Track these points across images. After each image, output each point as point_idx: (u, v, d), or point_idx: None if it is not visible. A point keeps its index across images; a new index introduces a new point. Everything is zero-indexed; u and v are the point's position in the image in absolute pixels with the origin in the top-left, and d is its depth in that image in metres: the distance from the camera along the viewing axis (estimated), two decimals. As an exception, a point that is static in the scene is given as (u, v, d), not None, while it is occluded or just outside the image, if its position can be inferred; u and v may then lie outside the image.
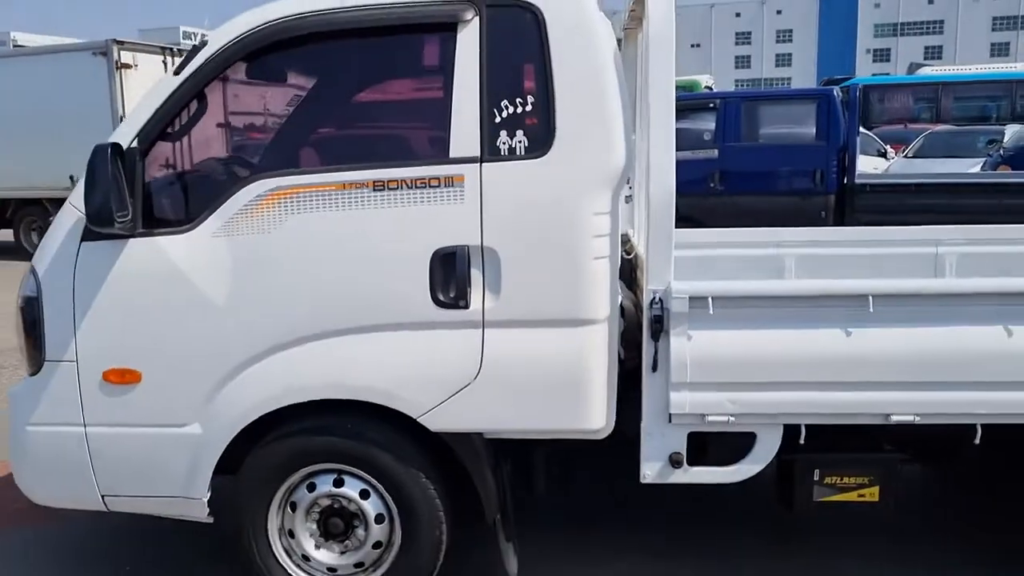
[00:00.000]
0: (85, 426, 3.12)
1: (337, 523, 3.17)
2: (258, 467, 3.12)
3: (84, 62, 12.94)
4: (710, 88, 23.55)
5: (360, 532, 3.16)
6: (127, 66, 12.83)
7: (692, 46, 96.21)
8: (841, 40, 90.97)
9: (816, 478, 3.20)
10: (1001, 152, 12.50)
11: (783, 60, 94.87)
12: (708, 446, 3.12)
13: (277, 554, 3.20)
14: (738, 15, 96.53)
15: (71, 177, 13.06)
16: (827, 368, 2.93)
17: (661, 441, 3.04)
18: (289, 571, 3.20)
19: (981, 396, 2.92)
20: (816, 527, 3.90)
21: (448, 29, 2.93)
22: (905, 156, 16.20)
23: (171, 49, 13.90)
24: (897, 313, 2.92)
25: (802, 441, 3.06)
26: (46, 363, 3.12)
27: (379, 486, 3.11)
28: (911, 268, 4.47)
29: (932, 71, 25.16)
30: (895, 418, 2.96)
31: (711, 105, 10.15)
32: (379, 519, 3.14)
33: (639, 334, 3.04)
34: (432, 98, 3.01)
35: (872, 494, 3.21)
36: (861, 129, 18.43)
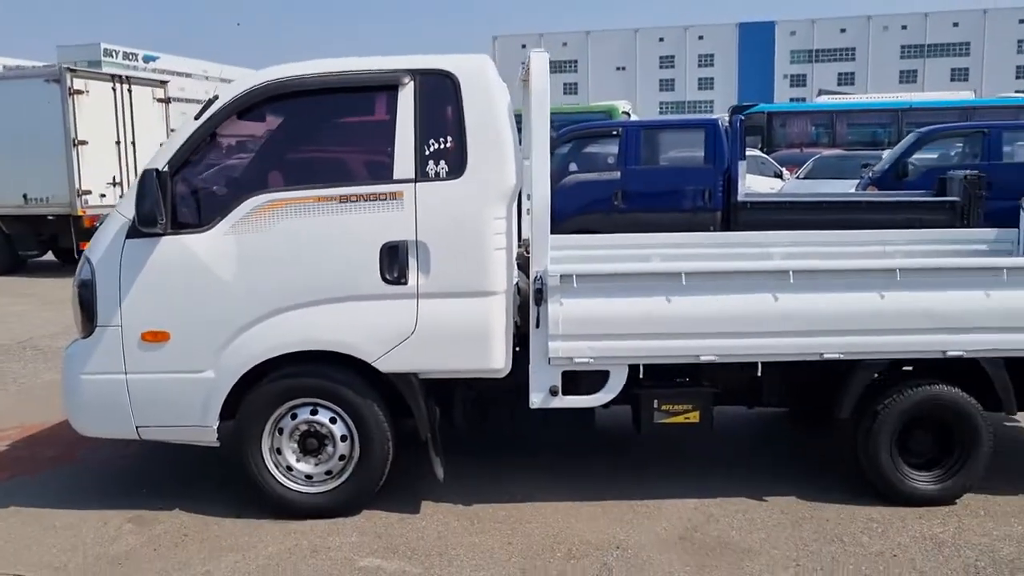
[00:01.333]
0: (126, 374, 4.27)
1: (312, 442, 4.37)
2: (256, 402, 4.31)
3: (38, 88, 13.72)
4: (628, 114, 25.05)
5: (329, 448, 4.37)
6: (79, 92, 13.67)
7: (617, 69, 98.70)
8: (760, 65, 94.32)
9: (655, 406, 4.52)
10: (870, 175, 14.17)
11: (705, 84, 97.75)
12: (579, 381, 4.41)
13: (269, 466, 4.38)
14: (662, 40, 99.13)
15: (24, 196, 13.91)
16: (655, 324, 4.25)
17: (544, 377, 4.32)
18: (278, 479, 4.39)
19: (758, 342, 4.28)
20: (666, 449, 5.26)
21: (392, 89, 4.21)
22: (797, 177, 17.91)
23: (120, 77, 14.80)
24: (702, 286, 4.27)
25: (642, 377, 4.39)
26: (97, 328, 4.27)
27: (343, 414, 4.33)
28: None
29: (829, 99, 27.21)
30: (703, 358, 4.31)
31: (614, 133, 11.55)
32: (343, 438, 4.35)
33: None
34: (381, 137, 4.26)
35: (694, 417, 4.53)
36: (759, 153, 20.24)
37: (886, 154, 16.09)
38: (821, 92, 37.60)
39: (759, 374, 4.41)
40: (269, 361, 4.25)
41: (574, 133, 12.03)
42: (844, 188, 14.75)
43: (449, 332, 4.21)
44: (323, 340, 4.22)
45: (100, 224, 4.40)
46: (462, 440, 5.00)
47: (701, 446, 5.33)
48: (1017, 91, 78.23)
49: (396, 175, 4.16)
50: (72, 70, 13.94)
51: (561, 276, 4.20)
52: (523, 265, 4.82)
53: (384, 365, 4.23)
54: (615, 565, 3.90)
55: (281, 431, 4.37)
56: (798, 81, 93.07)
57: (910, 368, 4.55)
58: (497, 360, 4.25)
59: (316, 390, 4.32)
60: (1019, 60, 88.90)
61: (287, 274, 4.19)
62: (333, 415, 4.34)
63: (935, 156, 14.97)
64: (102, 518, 4.47)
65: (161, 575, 3.87)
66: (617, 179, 11.11)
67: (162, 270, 4.21)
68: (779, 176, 18.78)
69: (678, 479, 4.84)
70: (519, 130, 4.62)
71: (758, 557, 3.95)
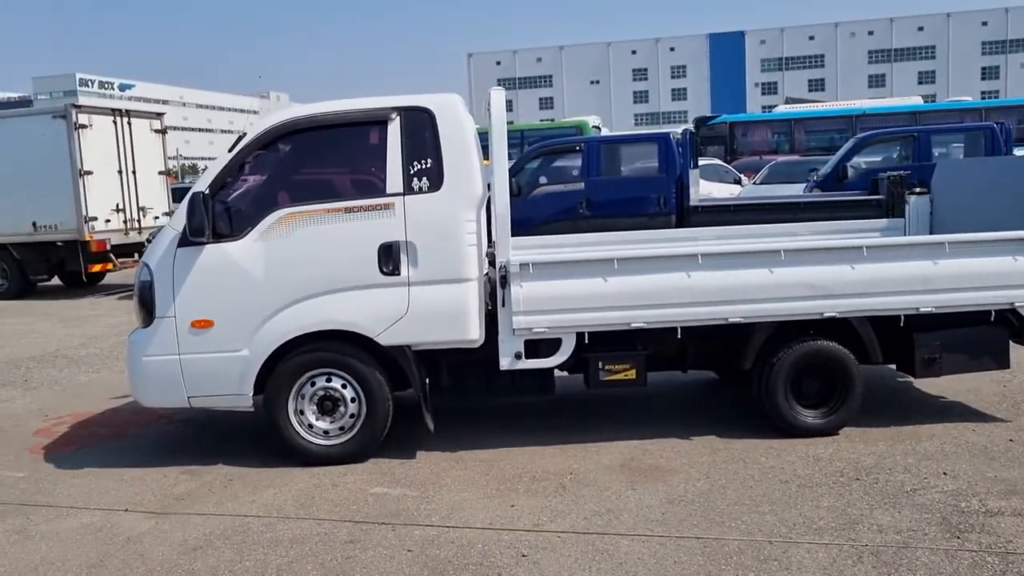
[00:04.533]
0: (180, 355, 5.40)
1: (328, 404, 5.51)
2: (283, 373, 5.44)
3: (45, 124, 14.83)
4: (598, 128, 26.40)
5: (342, 409, 5.51)
6: (83, 127, 14.76)
7: (592, 83, 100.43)
8: (731, 74, 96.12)
9: (600, 367, 5.68)
10: (815, 178, 15.47)
11: (679, 94, 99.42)
12: (538, 348, 5.56)
13: (294, 425, 5.50)
14: (634, 52, 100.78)
15: (33, 224, 14.98)
16: (595, 300, 5.42)
17: (510, 345, 5.48)
18: (301, 434, 5.52)
19: (676, 311, 5.46)
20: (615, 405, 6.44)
21: (383, 123, 5.40)
22: (754, 183, 19.20)
23: (120, 111, 15.89)
24: (632, 268, 5.45)
25: (587, 343, 5.55)
26: (155, 319, 5.40)
27: (352, 381, 5.47)
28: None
29: (789, 108, 28.60)
30: (633, 325, 5.47)
31: (577, 148, 12.77)
32: (353, 400, 5.49)
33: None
34: (375, 160, 5.43)
35: (632, 374, 5.69)
36: (719, 161, 21.50)
37: (831, 159, 17.42)
38: (788, 100, 39.12)
39: (680, 338, 5.58)
40: (293, 340, 5.38)
41: (542, 149, 13.28)
42: (795, 191, 16.02)
43: (435, 311, 5.36)
44: (335, 321, 5.37)
45: (152, 237, 5.54)
46: (449, 404, 6.15)
47: (642, 403, 6.51)
48: (983, 92, 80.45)
49: (388, 190, 5.33)
50: (77, 106, 15.06)
51: (520, 264, 5.37)
52: (493, 260, 5.98)
53: (384, 340, 5.38)
54: (568, 484, 5.06)
55: (303, 396, 5.50)
56: (769, 89, 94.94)
57: (808, 329, 5.72)
58: (473, 332, 5.41)
59: (330, 362, 5.45)
60: (984, 61, 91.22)
61: (305, 271, 5.34)
62: (344, 382, 5.48)
63: (879, 159, 16.31)
64: (161, 472, 5.58)
65: (217, 505, 5.00)
66: (582, 190, 12.33)
67: (206, 271, 5.34)
68: (738, 182, 20.06)
69: (621, 426, 6.01)
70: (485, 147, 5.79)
71: (679, 474, 5.12)
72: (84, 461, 5.89)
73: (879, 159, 16.30)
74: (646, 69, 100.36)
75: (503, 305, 5.44)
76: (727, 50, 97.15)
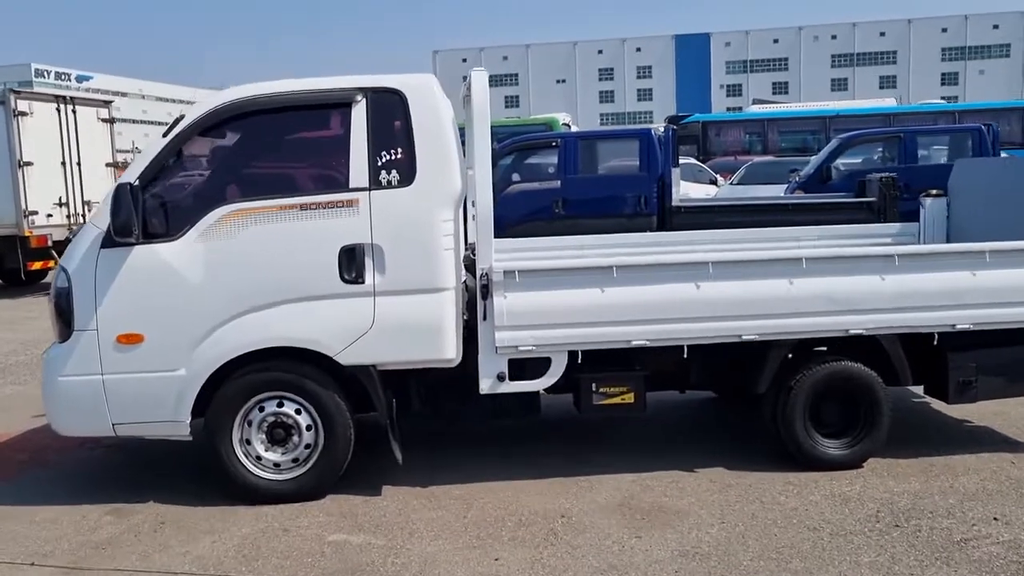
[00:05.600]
0: (103, 375, 4.58)
1: (280, 432, 4.72)
2: (226, 397, 4.65)
3: None
4: (568, 125, 25.69)
5: (296, 438, 4.73)
6: (23, 114, 13.75)
7: (558, 82, 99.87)
8: (697, 76, 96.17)
9: (594, 389, 4.96)
10: (797, 179, 14.91)
11: (644, 95, 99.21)
12: (524, 368, 4.83)
13: (239, 456, 4.71)
14: (600, 52, 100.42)
15: (-30, 216, 13.90)
16: (590, 313, 4.70)
17: (492, 365, 4.74)
18: (248, 467, 4.72)
19: (683, 327, 4.76)
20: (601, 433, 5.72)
21: (346, 106, 4.62)
22: (731, 183, 18.63)
23: (64, 98, 14.88)
24: (634, 277, 4.74)
25: (580, 362, 4.83)
26: (74, 333, 4.57)
27: (308, 405, 4.69)
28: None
29: (761, 108, 28.15)
30: (635, 343, 4.76)
31: (553, 144, 12.05)
32: (308, 428, 4.71)
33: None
34: (337, 149, 4.65)
35: (630, 398, 4.98)
36: (695, 161, 20.95)
37: (813, 159, 16.89)
38: (755, 101, 38.73)
39: (685, 357, 4.88)
40: (238, 357, 4.59)
41: (516, 145, 12.50)
42: (774, 192, 15.45)
43: (404, 326, 4.60)
44: (289, 337, 4.59)
45: (73, 236, 4.71)
46: (419, 428, 5.39)
47: (637, 427, 5.80)
48: (942, 96, 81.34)
49: (352, 184, 4.56)
50: (16, 92, 14.06)
51: (504, 272, 4.64)
52: (470, 267, 5.23)
53: (345, 358, 4.61)
54: (561, 530, 4.33)
55: (250, 423, 4.71)
56: (734, 91, 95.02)
57: (823, 348, 5.06)
58: (449, 351, 4.66)
59: (282, 383, 4.67)
60: (944, 67, 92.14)
61: (254, 277, 4.55)
62: (298, 407, 4.70)
63: (859, 160, 15.79)
64: (80, 512, 4.76)
65: (143, 557, 4.19)
66: (557, 188, 11.59)
67: (136, 277, 4.53)
68: (714, 183, 19.49)
69: (617, 457, 5.29)
70: (463, 142, 5.06)
71: (688, 517, 4.41)
72: (-8, 496, 5.05)
73: (859, 160, 15.81)
74: (612, 69, 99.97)
75: (484, 319, 4.70)
76: (693, 51, 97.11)
